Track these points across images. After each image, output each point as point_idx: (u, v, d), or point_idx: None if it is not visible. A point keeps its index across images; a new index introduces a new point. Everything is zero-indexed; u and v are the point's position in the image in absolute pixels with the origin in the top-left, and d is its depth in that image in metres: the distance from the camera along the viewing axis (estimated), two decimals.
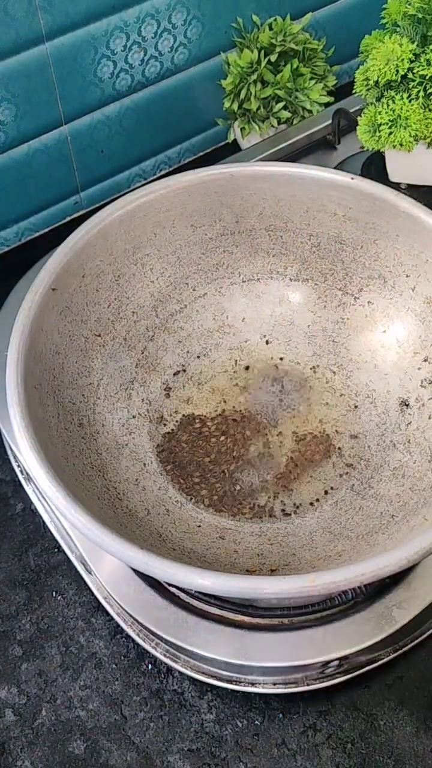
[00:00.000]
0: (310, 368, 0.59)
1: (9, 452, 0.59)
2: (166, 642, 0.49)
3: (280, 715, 0.49)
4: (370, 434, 0.55)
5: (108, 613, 0.52)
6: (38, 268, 0.51)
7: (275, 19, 0.74)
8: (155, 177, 0.79)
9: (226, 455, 0.55)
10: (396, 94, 0.59)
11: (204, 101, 0.76)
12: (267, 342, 0.60)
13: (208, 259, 0.59)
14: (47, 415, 0.47)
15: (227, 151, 0.79)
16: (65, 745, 0.49)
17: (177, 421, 0.56)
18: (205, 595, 0.48)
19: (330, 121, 0.74)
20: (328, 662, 0.47)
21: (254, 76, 0.72)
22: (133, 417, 0.55)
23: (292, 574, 0.43)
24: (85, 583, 0.53)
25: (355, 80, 0.62)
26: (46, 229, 0.74)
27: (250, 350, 0.60)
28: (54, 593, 0.55)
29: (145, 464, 0.53)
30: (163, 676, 0.51)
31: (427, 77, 0.58)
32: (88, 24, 0.63)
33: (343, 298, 0.59)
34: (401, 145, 0.60)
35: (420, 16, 0.58)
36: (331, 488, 0.53)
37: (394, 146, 0.61)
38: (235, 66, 0.72)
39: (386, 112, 0.60)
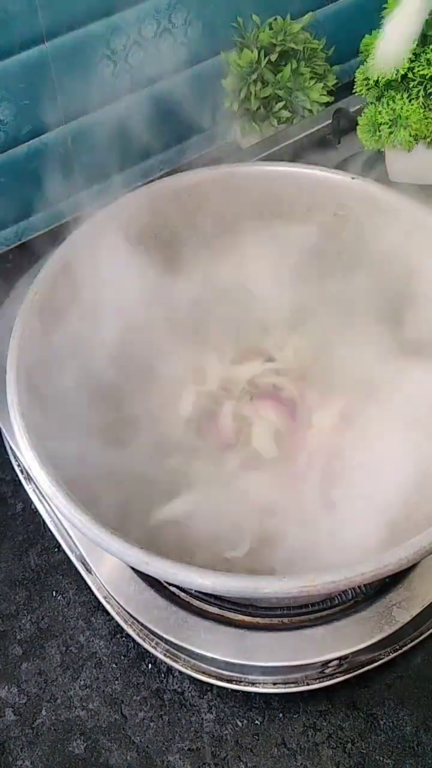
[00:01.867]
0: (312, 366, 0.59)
1: (9, 452, 0.59)
2: (166, 641, 0.49)
3: (280, 715, 0.49)
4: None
5: (108, 613, 0.52)
6: (38, 268, 0.51)
7: (275, 19, 0.74)
8: (156, 177, 0.79)
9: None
10: (396, 94, 0.59)
11: (204, 101, 0.76)
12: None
13: (210, 258, 0.59)
14: (47, 415, 0.47)
15: (227, 150, 0.79)
16: (65, 744, 0.49)
17: None
18: (205, 594, 0.48)
19: (330, 121, 0.74)
20: (328, 662, 0.47)
21: (254, 76, 0.72)
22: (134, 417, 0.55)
23: (292, 574, 0.43)
24: (85, 582, 0.53)
25: (355, 80, 0.62)
26: (46, 230, 0.74)
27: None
28: (54, 593, 0.55)
29: None
30: (163, 675, 0.51)
31: (427, 77, 0.58)
32: (88, 24, 0.63)
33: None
34: (401, 144, 0.60)
35: None
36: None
37: (394, 146, 0.61)
38: (235, 66, 0.72)
39: (386, 112, 0.60)
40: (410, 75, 0.59)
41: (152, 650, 0.50)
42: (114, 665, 0.52)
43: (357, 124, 0.63)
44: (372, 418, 0.52)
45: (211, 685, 0.49)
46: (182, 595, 0.49)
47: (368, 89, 0.61)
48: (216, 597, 0.49)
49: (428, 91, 0.59)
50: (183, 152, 0.79)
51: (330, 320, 0.57)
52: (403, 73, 0.58)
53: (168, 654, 0.50)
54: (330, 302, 0.57)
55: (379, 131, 0.61)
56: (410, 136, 0.60)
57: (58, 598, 0.54)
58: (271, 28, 0.73)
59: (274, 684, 0.48)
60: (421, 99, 0.59)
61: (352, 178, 0.54)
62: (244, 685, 0.49)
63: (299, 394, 0.56)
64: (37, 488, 0.56)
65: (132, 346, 0.57)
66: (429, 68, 0.58)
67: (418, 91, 0.59)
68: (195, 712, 0.50)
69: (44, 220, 0.73)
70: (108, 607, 0.52)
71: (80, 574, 0.53)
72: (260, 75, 0.72)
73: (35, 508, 0.57)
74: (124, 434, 0.52)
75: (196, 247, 0.58)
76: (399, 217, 0.53)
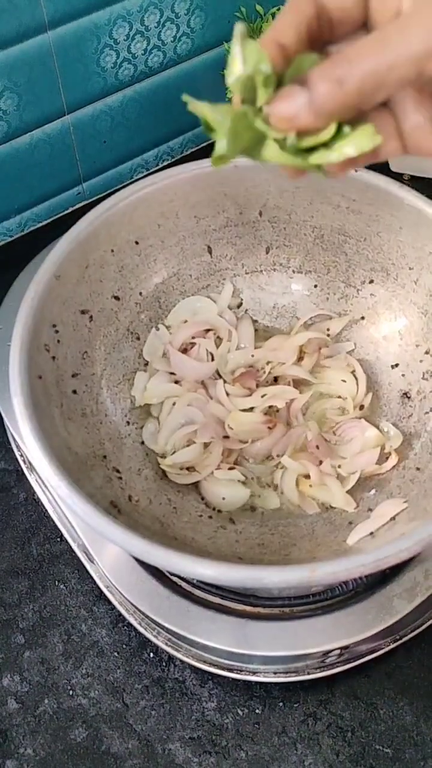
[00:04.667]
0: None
1: (12, 442, 0.59)
2: (168, 631, 0.49)
3: (281, 704, 0.50)
4: None
5: (110, 602, 0.52)
6: (41, 259, 0.51)
7: (278, 9, 0.74)
8: (158, 168, 0.78)
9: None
10: None
11: (207, 91, 0.76)
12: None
13: (211, 250, 0.59)
14: (50, 405, 0.47)
15: None
16: (67, 732, 0.49)
17: None
18: (206, 584, 0.49)
19: None
20: (329, 651, 0.47)
21: None
22: (136, 407, 0.55)
23: (292, 564, 0.43)
24: (87, 572, 0.53)
25: None
26: (49, 220, 0.74)
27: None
28: (56, 582, 0.55)
29: (147, 454, 0.54)
30: (164, 664, 0.51)
31: None
32: (90, 13, 0.63)
33: (346, 290, 0.59)
34: None
35: None
36: None
37: None
38: None
39: None
40: None
41: (154, 639, 0.50)
42: (116, 654, 0.52)
43: None
44: None
45: (212, 674, 0.50)
46: (184, 584, 0.50)
47: None
48: (217, 587, 0.49)
49: None
50: (184, 143, 0.79)
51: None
52: None
53: (169, 643, 0.50)
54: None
55: None
56: None
57: (60, 587, 0.55)
58: (274, 18, 0.72)
59: (275, 673, 0.49)
60: None
61: (356, 170, 0.54)
62: (245, 674, 0.49)
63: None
64: (40, 478, 0.56)
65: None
66: None
67: None
68: (196, 701, 0.50)
69: (47, 210, 0.73)
70: (110, 596, 0.52)
71: (82, 564, 0.54)
72: None
73: (38, 497, 0.57)
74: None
75: (195, 239, 0.58)
76: (401, 209, 0.53)
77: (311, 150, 0.29)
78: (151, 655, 0.52)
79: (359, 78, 0.27)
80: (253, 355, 0.58)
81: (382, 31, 0.27)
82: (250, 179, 0.56)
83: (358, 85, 0.27)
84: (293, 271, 0.60)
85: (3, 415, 0.58)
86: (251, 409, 0.55)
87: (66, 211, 0.75)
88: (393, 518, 0.47)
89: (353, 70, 0.27)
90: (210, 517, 0.51)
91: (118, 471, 0.50)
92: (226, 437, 0.54)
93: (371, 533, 0.47)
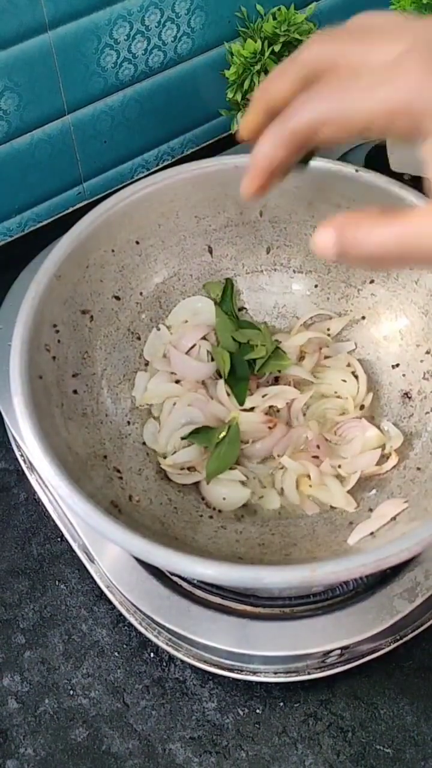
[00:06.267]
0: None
1: (12, 442, 0.59)
2: (168, 631, 0.49)
3: (281, 704, 0.50)
4: None
5: (110, 602, 0.52)
6: (42, 259, 0.51)
7: (279, 9, 0.73)
8: (158, 168, 0.78)
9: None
10: None
11: (207, 91, 0.75)
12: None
13: (212, 250, 0.59)
14: (51, 404, 0.47)
15: (230, 142, 0.79)
16: (67, 732, 0.49)
17: None
18: (207, 584, 0.49)
19: None
20: (330, 651, 0.47)
21: (258, 67, 0.72)
22: (137, 407, 0.55)
23: (293, 564, 0.43)
24: (87, 571, 0.53)
25: None
26: (49, 220, 0.74)
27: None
28: (57, 582, 0.55)
29: (147, 453, 0.54)
30: (165, 664, 0.51)
31: None
32: (91, 12, 0.63)
33: (347, 290, 0.59)
34: None
35: None
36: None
37: None
38: (239, 56, 0.72)
39: None
40: None
41: (154, 639, 0.50)
42: (116, 654, 0.52)
43: None
44: None
45: (213, 674, 0.50)
46: (184, 584, 0.50)
47: None
48: (218, 586, 0.49)
49: None
50: (185, 143, 0.79)
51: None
52: None
53: (170, 643, 0.50)
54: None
55: None
56: None
57: (61, 587, 0.55)
58: (274, 18, 0.72)
59: (276, 673, 0.49)
60: None
61: (356, 170, 0.54)
62: (246, 674, 0.49)
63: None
64: (40, 477, 0.56)
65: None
66: None
67: None
68: (196, 701, 0.50)
69: (47, 210, 0.73)
70: (110, 596, 0.52)
71: (83, 564, 0.54)
72: (263, 65, 0.72)
73: (38, 497, 0.57)
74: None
75: (196, 239, 0.58)
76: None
77: None
78: (152, 655, 0.52)
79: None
80: None
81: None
82: None
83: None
84: (294, 271, 0.60)
85: (3, 414, 0.59)
86: (252, 409, 0.55)
87: (66, 211, 0.75)
88: (394, 518, 0.47)
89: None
90: (210, 517, 0.51)
91: (118, 471, 0.50)
92: None
93: (372, 533, 0.47)
